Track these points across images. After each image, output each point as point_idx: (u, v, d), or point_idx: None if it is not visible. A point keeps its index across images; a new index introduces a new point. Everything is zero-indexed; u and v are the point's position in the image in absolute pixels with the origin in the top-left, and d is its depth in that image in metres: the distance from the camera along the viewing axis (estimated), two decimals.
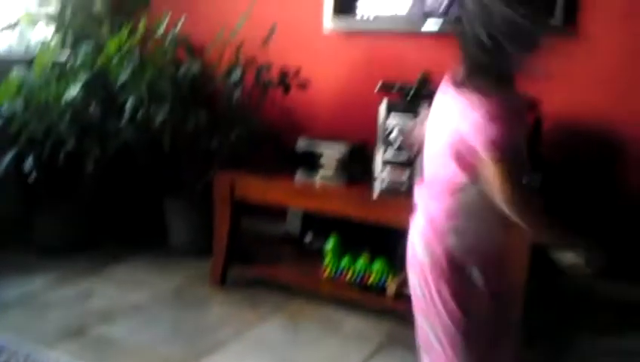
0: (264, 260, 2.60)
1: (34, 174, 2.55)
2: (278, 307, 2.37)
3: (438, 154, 1.31)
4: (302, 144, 2.67)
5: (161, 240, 2.95)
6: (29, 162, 2.56)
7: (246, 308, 2.36)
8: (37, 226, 2.88)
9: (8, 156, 2.60)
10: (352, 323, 2.29)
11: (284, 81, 2.80)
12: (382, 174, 2.45)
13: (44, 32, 3.08)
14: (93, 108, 2.82)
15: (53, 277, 2.58)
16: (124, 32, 2.69)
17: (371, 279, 2.37)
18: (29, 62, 2.84)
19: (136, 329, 2.17)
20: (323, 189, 2.37)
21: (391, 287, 2.25)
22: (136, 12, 3.01)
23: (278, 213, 2.92)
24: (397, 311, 2.27)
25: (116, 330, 2.16)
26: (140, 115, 2.66)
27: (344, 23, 2.82)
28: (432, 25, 2.59)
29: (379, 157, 2.47)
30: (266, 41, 2.76)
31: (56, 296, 2.40)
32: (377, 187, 2.39)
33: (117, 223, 3.16)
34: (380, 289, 2.31)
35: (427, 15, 2.60)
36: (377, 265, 2.38)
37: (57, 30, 3.03)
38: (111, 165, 2.75)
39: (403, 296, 2.23)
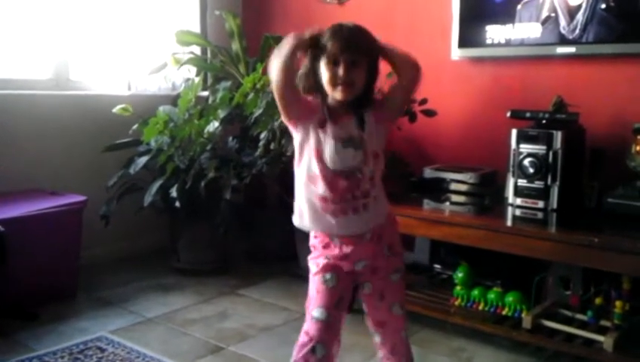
0: None
1: (178, 202, 2.75)
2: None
3: None
4: (429, 172, 2.67)
5: (292, 265, 3.05)
6: (173, 191, 2.77)
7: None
8: (179, 251, 3.10)
9: (156, 185, 2.84)
10: (484, 355, 2.21)
11: (410, 109, 2.82)
12: (515, 202, 2.39)
13: (187, 73, 3.36)
14: (231, 142, 3.02)
15: (193, 298, 2.75)
16: (259, 70, 2.87)
17: (505, 311, 2.29)
18: (174, 100, 3.12)
19: (271, 349, 2.24)
20: (452, 218, 2.34)
21: (527, 319, 2.15)
22: (270, 51, 3.19)
23: (406, 241, 2.91)
24: (533, 344, 2.17)
25: (251, 349, 2.24)
26: (272, 146, 2.80)
27: (472, 51, 2.80)
28: (566, 48, 2.51)
29: (511, 185, 2.41)
30: (391, 72, 2.81)
31: (195, 315, 2.55)
32: (510, 215, 2.33)
33: (251, 248, 3.32)
34: (514, 321, 2.22)
35: (561, 38, 2.53)
36: (511, 297, 2.29)
37: (199, 70, 3.29)
38: (246, 194, 2.90)
39: (541, 328, 2.14)
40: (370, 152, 1.53)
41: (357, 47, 1.47)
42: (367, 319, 1.66)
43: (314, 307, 1.56)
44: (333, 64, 1.46)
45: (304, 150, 1.53)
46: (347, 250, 1.55)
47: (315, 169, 1.51)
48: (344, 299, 1.58)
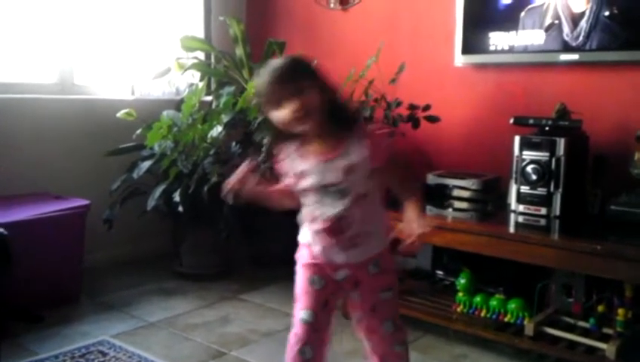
0: None
1: (180, 207, 2.76)
2: (408, 341, 2.34)
3: None
4: (432, 178, 2.67)
5: (295, 270, 3.04)
6: (176, 195, 2.78)
7: None
8: (181, 255, 3.11)
9: (159, 190, 2.84)
10: None
11: (414, 115, 2.83)
12: (518, 209, 2.39)
13: (191, 78, 3.37)
14: (234, 146, 3.03)
15: (195, 303, 2.75)
16: None
17: (507, 318, 2.28)
18: (178, 105, 3.13)
19: (273, 354, 2.24)
20: (455, 224, 2.33)
21: (529, 327, 2.14)
22: (274, 57, 3.20)
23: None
24: (535, 351, 2.16)
25: (253, 355, 2.24)
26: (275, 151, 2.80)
27: (475, 57, 2.80)
28: (569, 55, 2.52)
29: (513, 192, 2.41)
30: (394, 78, 2.82)
31: (197, 320, 2.55)
32: (513, 222, 2.33)
33: (254, 253, 3.32)
34: (516, 328, 2.22)
35: (565, 45, 2.53)
36: (513, 304, 2.29)
37: (203, 75, 3.30)
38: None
39: (543, 335, 2.14)
40: (354, 197, 1.45)
41: (295, 78, 1.41)
42: (358, 326, 1.61)
43: (300, 308, 1.55)
44: (276, 107, 1.41)
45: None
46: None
47: (307, 209, 1.51)
48: (331, 302, 1.56)
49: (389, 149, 1.47)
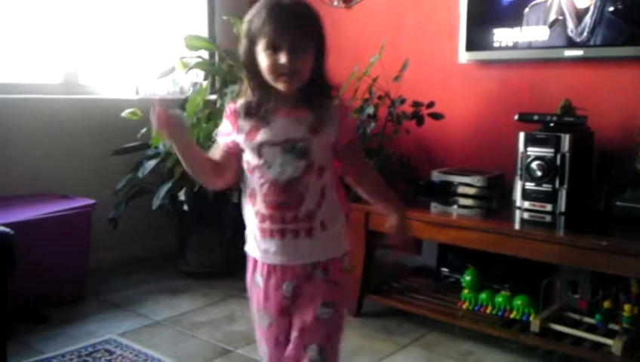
0: (400, 291, 2.59)
1: (186, 206, 2.77)
2: (414, 338, 2.35)
3: None
4: (437, 175, 2.67)
5: None
6: (181, 194, 2.78)
7: (381, 339, 2.36)
8: (187, 253, 3.12)
9: (164, 189, 2.85)
10: (492, 359, 2.20)
11: (418, 112, 2.83)
12: (523, 205, 2.39)
13: (195, 77, 3.37)
14: None
15: (201, 301, 2.76)
16: None
17: (513, 315, 2.28)
18: (182, 104, 3.13)
19: None
20: (460, 221, 2.33)
21: (535, 323, 2.14)
22: None
23: (414, 244, 2.92)
24: (541, 348, 2.16)
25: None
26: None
27: (480, 54, 2.80)
28: (574, 51, 2.51)
29: (518, 188, 2.41)
30: (398, 75, 2.82)
31: (203, 318, 2.56)
32: (518, 218, 2.33)
33: None
34: (522, 325, 2.22)
35: (569, 41, 2.52)
36: (519, 301, 2.28)
37: (207, 74, 3.31)
38: None
39: (549, 332, 2.13)
40: (316, 164, 1.28)
41: (301, 29, 1.22)
42: (275, 349, 1.43)
43: (258, 344, 1.44)
44: (273, 50, 1.21)
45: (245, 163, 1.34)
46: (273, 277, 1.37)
47: (253, 181, 1.31)
48: (282, 336, 1.40)
49: (354, 126, 1.33)
